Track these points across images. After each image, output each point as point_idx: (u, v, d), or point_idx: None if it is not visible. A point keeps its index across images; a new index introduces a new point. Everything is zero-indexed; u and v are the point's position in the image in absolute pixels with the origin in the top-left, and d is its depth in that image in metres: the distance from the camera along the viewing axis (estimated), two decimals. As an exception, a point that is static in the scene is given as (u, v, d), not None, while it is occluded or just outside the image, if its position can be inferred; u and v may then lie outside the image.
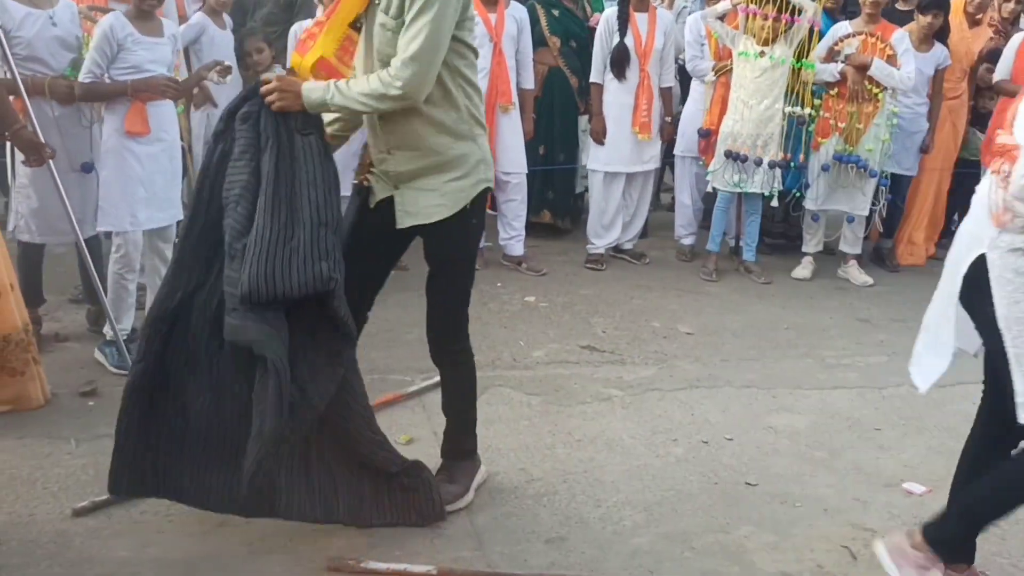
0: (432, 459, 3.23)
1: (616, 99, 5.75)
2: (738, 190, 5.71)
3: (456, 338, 3.06)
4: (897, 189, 6.18)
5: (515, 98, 5.55)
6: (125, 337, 4.06)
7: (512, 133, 5.60)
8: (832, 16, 6.07)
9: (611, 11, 5.82)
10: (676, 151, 6.28)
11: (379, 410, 3.72)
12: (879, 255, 6.43)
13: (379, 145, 2.86)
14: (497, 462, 3.41)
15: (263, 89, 2.69)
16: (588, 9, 6.37)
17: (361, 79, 2.69)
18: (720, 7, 5.59)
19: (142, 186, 4.05)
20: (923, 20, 5.81)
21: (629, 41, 5.66)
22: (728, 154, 5.60)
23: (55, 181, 3.83)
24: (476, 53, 2.87)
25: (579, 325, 4.89)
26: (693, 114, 6.12)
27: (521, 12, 5.64)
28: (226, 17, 5.16)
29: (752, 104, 5.51)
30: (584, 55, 6.02)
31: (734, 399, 4.12)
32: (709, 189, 5.99)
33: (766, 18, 5.37)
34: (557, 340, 4.71)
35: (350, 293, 2.73)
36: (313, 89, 2.69)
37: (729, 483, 3.37)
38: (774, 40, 5.43)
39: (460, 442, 3.18)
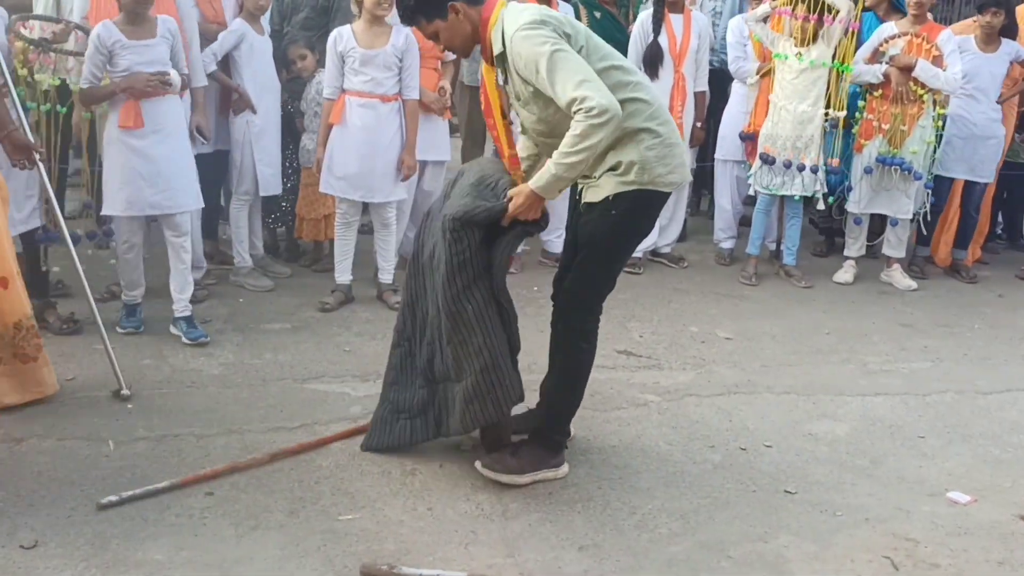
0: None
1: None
2: (777, 193, 5.64)
3: (578, 316, 3.21)
4: (971, 197, 6.09)
5: None
6: (136, 302, 4.53)
7: None
8: (880, 16, 5.97)
9: (646, 13, 5.78)
10: (716, 155, 6.21)
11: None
12: (956, 267, 6.26)
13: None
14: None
15: (512, 212, 3.02)
16: (631, 15, 6.34)
17: (565, 139, 2.86)
18: (760, 10, 5.54)
19: (139, 176, 4.27)
20: (983, 20, 5.71)
21: (663, 41, 5.62)
22: (764, 157, 5.54)
23: (44, 182, 3.99)
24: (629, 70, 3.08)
25: (616, 330, 4.84)
26: (734, 117, 6.05)
27: (567, 11, 5.63)
28: (264, 23, 5.20)
29: (790, 107, 5.43)
30: (622, 59, 5.99)
31: (773, 405, 4.05)
32: (751, 192, 5.92)
33: (798, 18, 5.30)
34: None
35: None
36: (539, 179, 2.95)
37: (768, 491, 3.31)
38: (811, 42, 5.36)
39: (548, 428, 3.26)
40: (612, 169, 3.05)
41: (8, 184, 3.85)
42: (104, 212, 4.44)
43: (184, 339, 4.41)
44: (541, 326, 4.84)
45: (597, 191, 3.09)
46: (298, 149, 5.47)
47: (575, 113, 2.81)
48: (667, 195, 3.15)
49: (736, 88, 6.08)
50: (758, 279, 5.80)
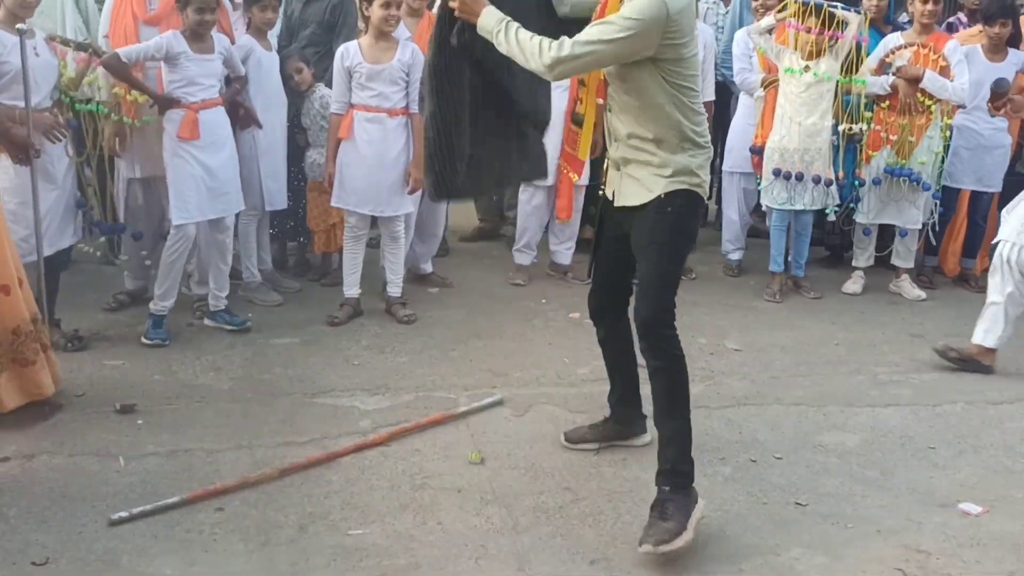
0: (507, 479, 3.22)
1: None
2: (788, 207, 5.62)
3: (664, 320, 3.12)
4: (979, 207, 6.09)
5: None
6: (165, 313, 4.60)
7: None
8: (879, 31, 5.98)
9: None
10: (724, 167, 6.21)
11: (426, 430, 3.74)
12: (965, 277, 6.24)
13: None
14: (542, 481, 3.38)
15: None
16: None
17: (528, 36, 2.90)
18: (765, 22, 5.54)
19: (201, 183, 4.56)
20: (991, 31, 5.70)
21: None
22: (776, 172, 5.53)
23: (34, 190, 4.11)
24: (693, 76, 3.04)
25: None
26: (741, 129, 6.05)
27: None
28: (271, 38, 5.23)
29: (799, 120, 5.43)
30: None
31: (783, 417, 4.04)
32: (763, 207, 5.91)
33: (809, 31, 5.30)
34: (602, 357, 4.66)
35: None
36: (489, 15, 2.94)
37: (779, 503, 3.30)
38: (819, 55, 5.36)
39: (675, 462, 3.03)
40: (659, 168, 3.05)
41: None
42: (175, 221, 4.55)
43: (229, 327, 4.76)
44: (549, 338, 4.87)
45: (643, 192, 3.08)
46: (302, 163, 5.48)
47: (551, 48, 2.86)
48: (704, 202, 3.21)
49: (742, 100, 6.08)
50: (782, 295, 5.75)
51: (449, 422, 3.84)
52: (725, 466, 3.56)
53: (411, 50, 4.86)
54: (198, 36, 4.55)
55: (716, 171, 6.52)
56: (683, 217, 3.11)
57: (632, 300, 3.30)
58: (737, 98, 6.21)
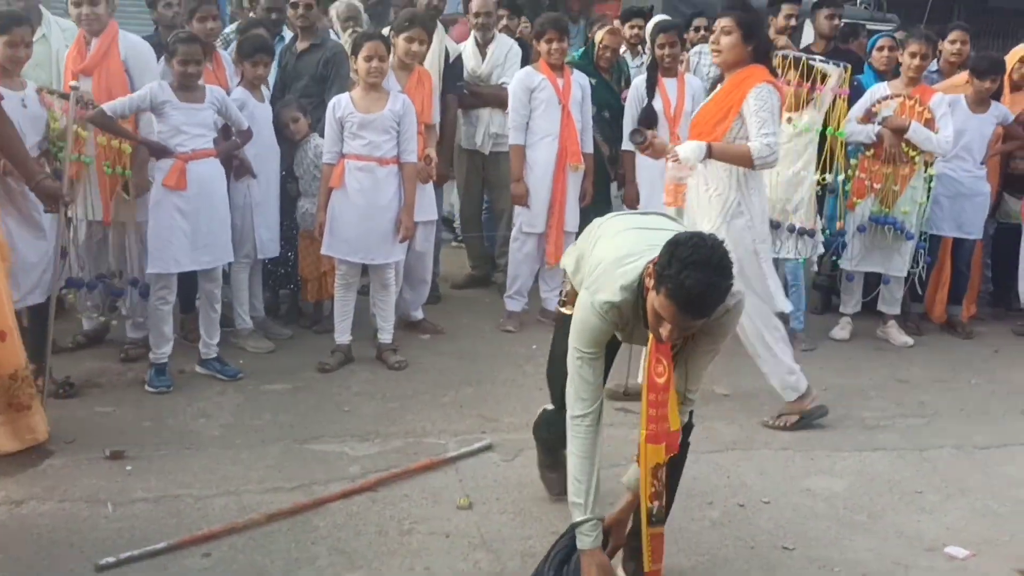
0: (495, 523, 3.22)
1: (647, 164, 5.81)
2: (774, 256, 5.66)
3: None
4: (961, 254, 6.18)
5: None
6: (164, 362, 4.65)
7: (575, 192, 5.82)
8: (880, 75, 6.09)
9: (640, 78, 5.91)
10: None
11: (415, 475, 3.75)
12: (951, 323, 6.29)
13: None
14: (530, 525, 3.39)
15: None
16: (624, 81, 6.46)
17: None
18: None
19: (183, 234, 4.57)
20: (980, 85, 5.84)
21: (658, 105, 5.74)
22: (761, 221, 5.59)
23: (57, 235, 4.28)
24: None
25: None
26: None
27: (584, 80, 5.83)
28: (264, 90, 5.32)
29: (781, 170, 5.50)
30: (616, 125, 6.13)
31: (771, 461, 4.06)
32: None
33: (788, 84, 5.40)
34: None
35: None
36: None
37: (766, 547, 3.31)
38: (801, 107, 5.45)
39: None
40: None
41: (17, 254, 4.07)
42: (150, 270, 4.62)
43: (220, 376, 4.77)
44: (540, 384, 4.88)
45: None
46: (293, 212, 5.54)
47: None
48: None
49: None
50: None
51: (438, 467, 3.86)
52: (713, 510, 3.58)
53: (402, 101, 4.96)
54: (184, 86, 4.59)
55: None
56: None
57: None
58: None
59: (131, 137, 4.64)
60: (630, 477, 3.00)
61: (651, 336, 2.70)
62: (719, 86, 4.46)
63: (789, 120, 5.47)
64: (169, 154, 4.56)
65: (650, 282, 2.62)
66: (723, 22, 4.26)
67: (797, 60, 5.37)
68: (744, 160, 4.17)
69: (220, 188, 4.78)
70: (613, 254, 2.88)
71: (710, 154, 4.16)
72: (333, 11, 6.65)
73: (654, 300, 2.58)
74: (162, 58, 4.91)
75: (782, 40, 6.26)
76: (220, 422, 4.27)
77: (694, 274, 2.47)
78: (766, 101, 4.14)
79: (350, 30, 6.20)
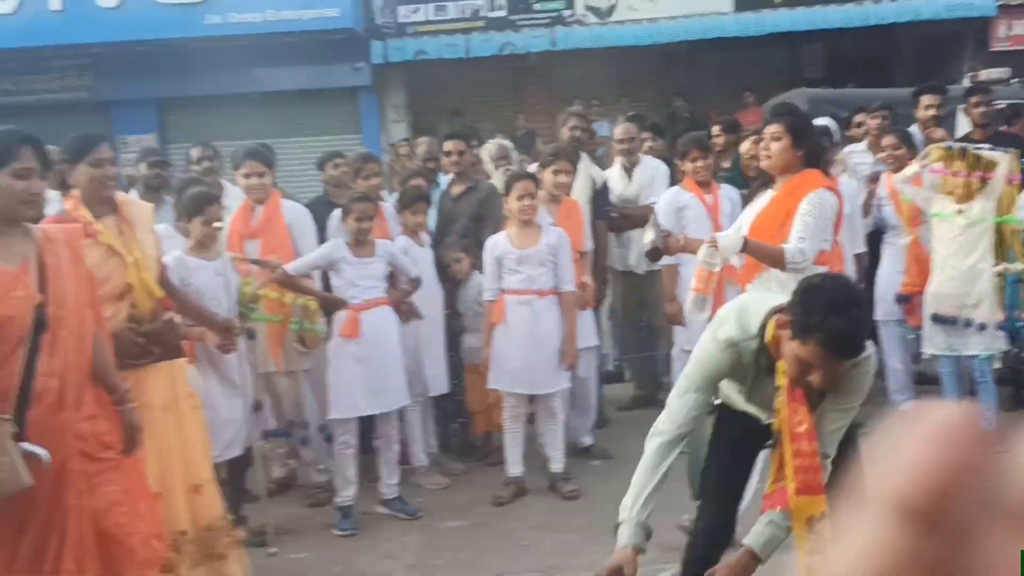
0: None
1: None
2: (953, 353, 5.41)
3: None
4: None
5: None
6: (350, 504, 4.81)
7: None
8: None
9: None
10: (877, 315, 6.06)
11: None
12: None
13: None
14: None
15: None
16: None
17: None
18: (909, 171, 5.53)
19: (361, 380, 4.78)
20: None
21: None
22: (935, 317, 5.37)
23: (252, 391, 4.55)
24: None
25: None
26: (888, 276, 5.95)
27: (734, 193, 5.83)
28: (424, 235, 5.61)
29: (955, 263, 5.30)
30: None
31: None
32: (925, 355, 5.71)
33: (956, 175, 5.24)
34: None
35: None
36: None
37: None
38: (971, 198, 5.26)
39: None
40: None
41: (215, 412, 4.35)
42: (332, 416, 4.87)
43: (401, 516, 4.92)
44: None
45: None
46: (458, 348, 5.73)
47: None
48: None
49: (887, 248, 6.01)
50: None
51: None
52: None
53: (556, 234, 5.12)
54: (358, 242, 4.89)
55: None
56: None
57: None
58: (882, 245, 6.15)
59: (313, 293, 4.98)
60: (754, 536, 2.87)
61: (782, 392, 2.71)
62: (769, 191, 4.32)
63: (960, 212, 5.29)
64: (344, 306, 4.84)
65: (786, 333, 2.62)
66: (772, 128, 4.16)
67: (964, 150, 5.23)
68: (777, 260, 3.99)
69: (393, 334, 4.99)
70: (735, 305, 2.96)
71: (745, 247, 4.04)
72: (485, 152, 6.99)
73: (799, 350, 2.58)
74: (331, 216, 5.28)
75: (938, 132, 6.12)
76: (404, 563, 4.37)
77: (840, 318, 2.50)
78: (816, 207, 3.99)
79: (502, 168, 6.49)
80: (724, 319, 2.91)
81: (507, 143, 6.85)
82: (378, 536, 4.70)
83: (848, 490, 0.47)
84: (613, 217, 6.24)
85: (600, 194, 6.10)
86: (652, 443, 2.93)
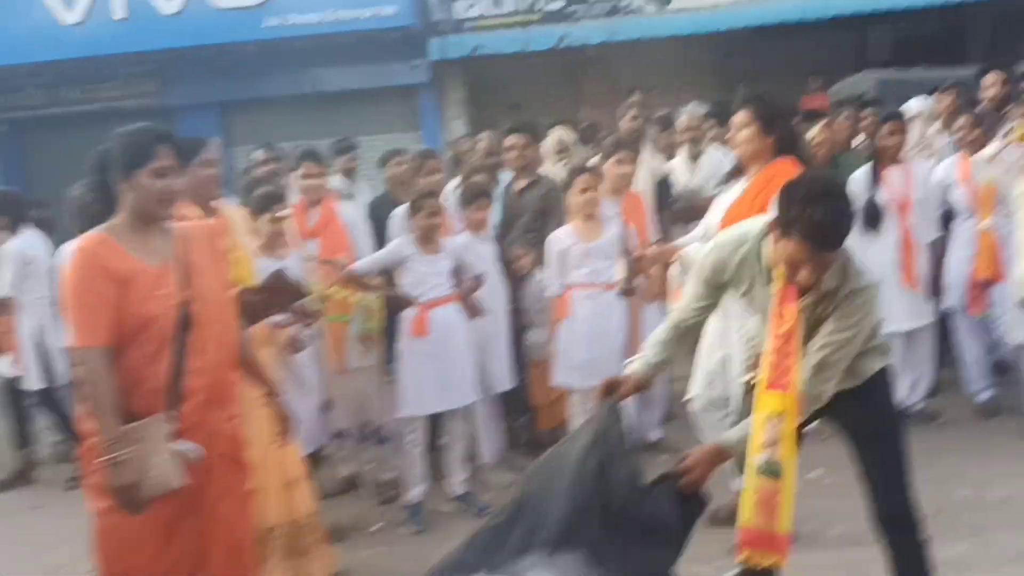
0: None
1: (878, 258, 5.57)
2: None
3: (915, 508, 3.08)
4: None
5: None
6: (418, 501, 4.87)
7: None
8: None
9: (860, 172, 5.72)
10: (948, 304, 5.87)
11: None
12: None
13: None
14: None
15: (685, 471, 2.80)
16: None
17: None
18: (989, 151, 5.34)
19: (429, 377, 4.78)
20: None
21: (883, 197, 5.52)
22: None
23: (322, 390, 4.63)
24: None
25: (874, 499, 4.56)
26: (959, 263, 5.75)
27: None
28: (486, 231, 5.57)
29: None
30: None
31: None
32: (1010, 344, 5.52)
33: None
34: (852, 516, 4.40)
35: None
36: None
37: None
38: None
39: None
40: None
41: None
42: (401, 414, 4.87)
43: (468, 512, 4.90)
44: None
45: (858, 376, 3.00)
46: (522, 344, 5.69)
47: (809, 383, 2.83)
48: None
49: (958, 233, 5.82)
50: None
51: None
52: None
53: (619, 225, 5.05)
54: (426, 239, 4.88)
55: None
56: (891, 390, 3.05)
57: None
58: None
59: (380, 291, 4.97)
60: (727, 434, 3.01)
61: (775, 293, 2.81)
62: (740, 183, 4.19)
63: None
64: (412, 304, 4.82)
65: (776, 234, 2.73)
66: (738, 116, 4.04)
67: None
68: None
69: (460, 331, 4.96)
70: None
71: None
72: (547, 143, 6.91)
73: (786, 247, 2.68)
74: (392, 215, 5.27)
75: (1020, 110, 5.89)
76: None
77: (819, 208, 2.59)
78: None
79: (563, 161, 6.42)
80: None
81: (568, 136, 6.77)
82: (448, 533, 4.67)
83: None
84: (678, 208, 6.14)
85: (663, 185, 6.01)
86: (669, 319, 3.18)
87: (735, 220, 3.92)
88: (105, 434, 2.73)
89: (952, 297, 5.84)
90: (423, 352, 4.80)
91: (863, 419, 3.02)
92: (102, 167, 2.92)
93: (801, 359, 2.82)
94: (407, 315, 4.87)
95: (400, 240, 4.97)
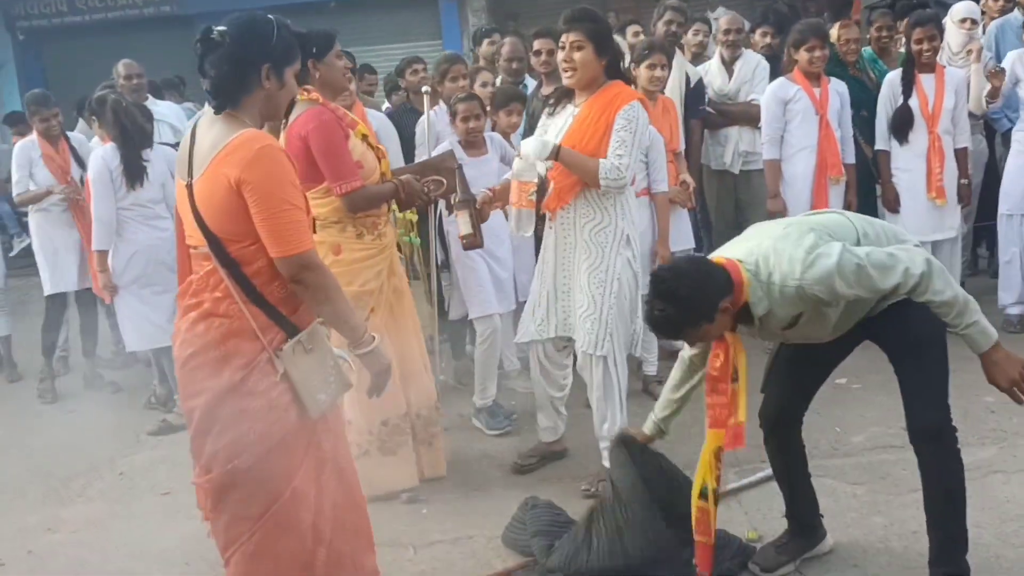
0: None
1: (906, 165, 5.49)
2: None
3: (948, 422, 3.03)
4: None
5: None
6: (490, 403, 4.88)
7: (838, 205, 5.47)
8: None
9: (894, 74, 5.59)
10: (1001, 209, 5.76)
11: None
12: None
13: None
14: (826, 560, 3.25)
15: None
16: (873, 77, 6.14)
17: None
18: None
19: (488, 277, 4.86)
20: None
21: (914, 103, 5.40)
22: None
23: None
24: None
25: (898, 405, 4.53)
26: (1019, 168, 5.64)
27: (842, 87, 5.58)
28: (516, 137, 5.50)
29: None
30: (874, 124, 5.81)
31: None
32: None
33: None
34: (877, 423, 4.44)
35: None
36: None
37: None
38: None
39: (950, 565, 2.96)
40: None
41: None
42: (476, 314, 4.89)
43: (486, 431, 4.83)
44: (817, 407, 4.70)
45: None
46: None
47: (911, 293, 2.78)
48: None
49: (1016, 138, 5.68)
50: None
51: (721, 499, 3.77)
52: (1033, 536, 3.27)
53: (650, 132, 4.96)
54: (470, 142, 4.85)
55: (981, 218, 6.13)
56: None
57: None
58: (1003, 137, 5.82)
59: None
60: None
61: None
62: (566, 106, 4.02)
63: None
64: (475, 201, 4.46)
65: None
66: (572, 36, 3.79)
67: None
68: (590, 175, 3.75)
69: (506, 237, 4.89)
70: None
71: (557, 155, 3.76)
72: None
73: None
74: (418, 122, 5.20)
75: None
76: (500, 463, 4.42)
77: (647, 306, 2.87)
78: (632, 122, 3.76)
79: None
80: None
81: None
82: (475, 437, 4.77)
83: None
84: (708, 115, 6.05)
85: (695, 92, 5.90)
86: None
87: (578, 144, 3.80)
88: (359, 328, 2.64)
89: (1006, 204, 5.70)
90: (481, 253, 4.72)
91: (900, 333, 2.98)
92: (248, 60, 2.53)
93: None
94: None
95: (445, 145, 4.85)
